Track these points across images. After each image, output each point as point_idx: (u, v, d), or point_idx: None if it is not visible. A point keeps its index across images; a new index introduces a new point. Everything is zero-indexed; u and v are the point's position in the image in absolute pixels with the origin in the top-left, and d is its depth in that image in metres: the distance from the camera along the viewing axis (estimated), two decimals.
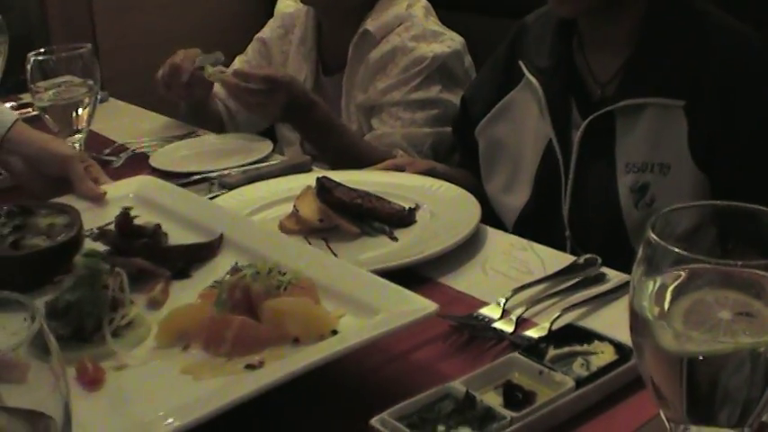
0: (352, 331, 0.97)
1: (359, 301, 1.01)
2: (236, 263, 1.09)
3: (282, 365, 0.90)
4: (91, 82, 1.62)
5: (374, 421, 0.84)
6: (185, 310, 1.03)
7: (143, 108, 2.13)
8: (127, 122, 2.02)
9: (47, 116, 1.65)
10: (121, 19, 3.06)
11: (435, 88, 1.99)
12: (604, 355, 0.93)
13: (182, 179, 1.60)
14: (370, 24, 2.07)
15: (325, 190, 1.30)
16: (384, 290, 1.02)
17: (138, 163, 1.75)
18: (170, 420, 0.80)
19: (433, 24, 2.11)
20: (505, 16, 2.01)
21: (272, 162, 1.69)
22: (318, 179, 1.33)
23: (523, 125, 1.63)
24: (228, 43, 2.35)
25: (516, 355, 0.93)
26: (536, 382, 0.90)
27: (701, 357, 0.62)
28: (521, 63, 1.64)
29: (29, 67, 1.64)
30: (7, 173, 1.56)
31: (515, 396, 0.88)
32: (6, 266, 1.18)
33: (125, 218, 1.22)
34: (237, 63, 2.26)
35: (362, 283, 1.04)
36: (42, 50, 1.65)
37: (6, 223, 1.26)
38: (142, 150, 1.82)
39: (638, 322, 0.65)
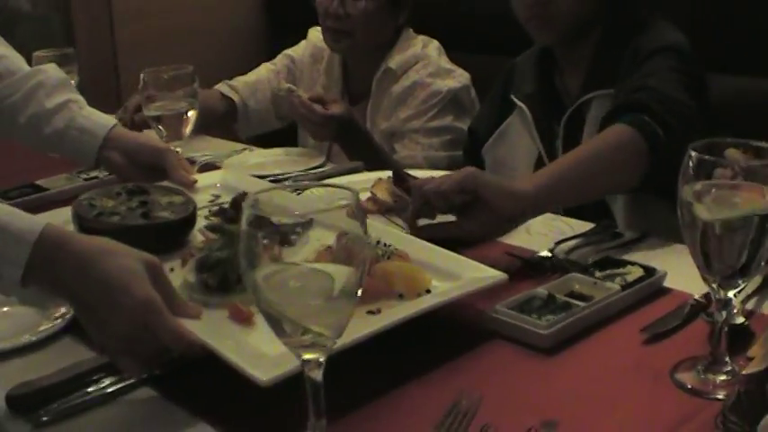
0: (443, 291, 1.24)
1: (443, 270, 1.29)
2: None
3: (396, 312, 1.16)
4: (192, 99, 1.91)
5: (491, 310, 1.21)
6: None
7: None
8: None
9: (157, 124, 1.89)
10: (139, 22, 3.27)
11: (449, 117, 2.40)
12: (635, 273, 1.33)
13: None
14: (392, 63, 2.47)
15: (399, 177, 1.70)
16: (461, 262, 1.32)
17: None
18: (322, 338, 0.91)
19: (445, 62, 2.51)
20: (503, 55, 2.39)
21: (329, 167, 2.04)
22: (395, 171, 1.73)
23: (518, 145, 2.04)
24: (235, 47, 2.63)
25: (574, 273, 1.33)
26: (592, 290, 1.29)
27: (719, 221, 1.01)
28: (512, 96, 2.06)
29: (141, 80, 1.90)
30: (107, 166, 1.77)
31: (581, 296, 1.27)
32: (142, 234, 1.38)
33: (244, 197, 1.46)
34: (264, 70, 2.65)
35: (444, 256, 1.33)
36: (152, 69, 1.91)
37: (131, 199, 1.48)
38: (209, 161, 2.11)
39: (684, 207, 1.03)
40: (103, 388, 1.14)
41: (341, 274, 0.89)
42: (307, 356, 0.92)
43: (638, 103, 1.65)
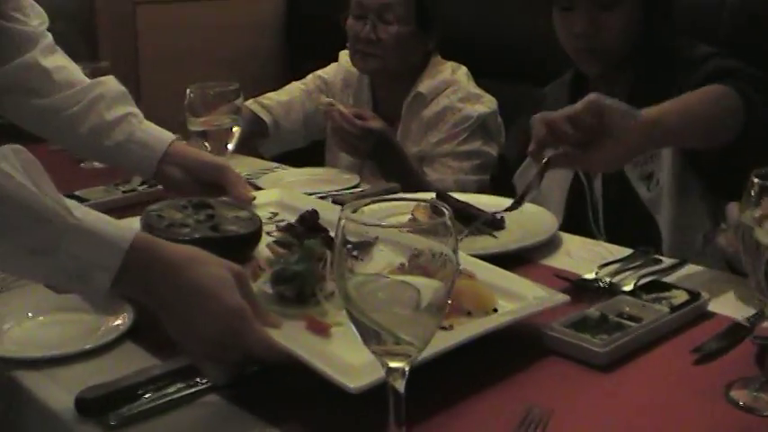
0: (510, 310, 1.29)
1: (508, 290, 1.35)
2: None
3: (469, 329, 1.21)
4: (235, 115, 1.97)
5: (547, 329, 1.26)
6: None
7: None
8: None
9: (202, 140, 1.94)
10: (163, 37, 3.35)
11: (478, 142, 2.46)
12: (680, 297, 1.38)
13: None
14: (422, 88, 2.54)
15: (442, 200, 1.75)
16: (524, 283, 1.38)
17: None
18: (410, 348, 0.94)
19: (474, 88, 2.58)
20: (526, 82, 2.50)
21: (365, 187, 2.09)
22: (438, 193, 1.78)
23: (552, 171, 2.10)
24: (255, 68, 2.68)
25: (623, 296, 1.38)
26: (641, 311, 1.33)
27: None
28: None
29: (188, 96, 1.95)
30: (165, 181, 1.79)
31: (630, 317, 1.32)
32: (213, 246, 1.34)
33: (313, 214, 1.53)
34: (296, 91, 2.72)
35: (508, 277, 1.40)
36: (198, 84, 1.97)
37: (198, 212, 1.52)
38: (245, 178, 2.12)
39: (745, 232, 1.09)
40: (171, 393, 1.17)
41: (427, 287, 0.93)
42: (393, 365, 0.96)
43: (726, 72, 1.75)
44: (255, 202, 1.74)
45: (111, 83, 1.81)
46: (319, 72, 2.80)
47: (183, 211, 1.52)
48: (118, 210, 1.95)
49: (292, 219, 1.60)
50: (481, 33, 2.97)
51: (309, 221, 1.52)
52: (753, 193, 1.08)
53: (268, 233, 1.52)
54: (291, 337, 1.19)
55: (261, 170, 2.29)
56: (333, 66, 2.80)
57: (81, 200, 1.98)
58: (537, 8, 2.70)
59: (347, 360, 1.09)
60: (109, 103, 1.77)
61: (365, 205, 0.98)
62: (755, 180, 1.08)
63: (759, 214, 1.09)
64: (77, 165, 2.40)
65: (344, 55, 2.76)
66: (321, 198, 1.96)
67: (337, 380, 1.07)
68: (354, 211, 0.95)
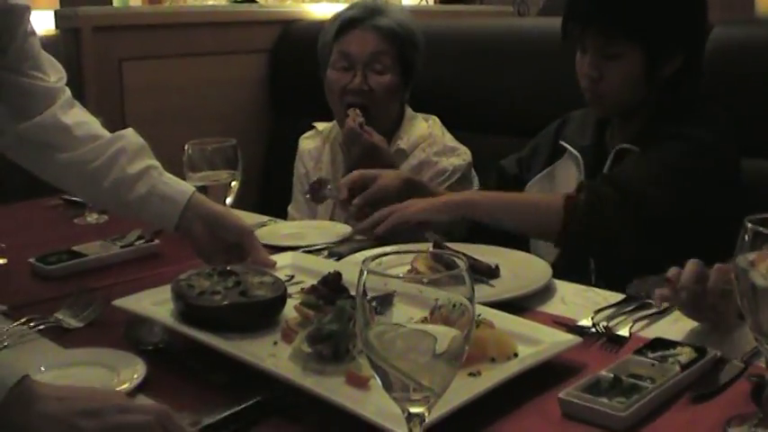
0: (530, 354, 1.37)
1: (525, 336, 1.42)
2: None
3: (495, 375, 1.29)
4: (233, 171, 2.02)
5: (562, 394, 1.27)
6: None
7: None
8: None
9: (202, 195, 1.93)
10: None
11: None
12: (686, 354, 1.39)
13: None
14: (403, 143, 2.60)
15: (441, 249, 1.79)
16: (539, 328, 1.47)
17: None
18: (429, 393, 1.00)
19: (449, 140, 2.64)
20: (502, 134, 2.60)
21: (360, 237, 2.12)
22: (435, 242, 1.83)
23: (564, 187, 2.18)
24: (239, 124, 2.81)
25: (633, 356, 1.39)
26: (650, 371, 1.34)
27: None
28: (562, 142, 2.28)
29: (186, 152, 2.01)
30: (187, 234, 1.79)
31: (641, 377, 1.32)
32: (242, 311, 1.48)
33: (337, 276, 1.57)
34: (293, 211, 2.79)
35: (524, 324, 1.48)
36: (196, 141, 2.03)
37: (225, 280, 1.56)
38: None
39: (740, 275, 1.15)
40: None
41: (444, 335, 0.99)
42: (414, 410, 1.01)
43: (596, 182, 1.99)
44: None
45: (131, 136, 1.84)
46: (295, 177, 2.86)
47: (210, 279, 1.56)
48: (115, 265, 2.01)
49: (308, 280, 1.65)
50: (457, 86, 3.05)
51: (332, 283, 1.57)
52: (747, 239, 1.14)
53: (289, 295, 1.57)
54: (335, 391, 1.25)
55: (255, 224, 2.31)
56: (299, 159, 2.86)
57: (79, 255, 2.02)
58: (513, 61, 2.85)
59: (388, 409, 1.11)
60: (131, 156, 1.80)
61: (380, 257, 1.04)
62: (749, 226, 1.14)
63: (753, 258, 1.14)
64: (71, 221, 2.43)
65: (302, 141, 2.86)
66: (318, 250, 2.02)
67: (384, 426, 1.13)
68: (374, 264, 1.00)
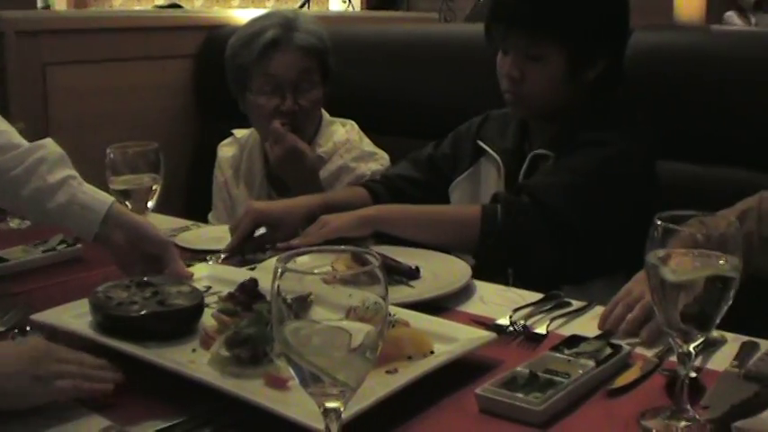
0: (446, 351, 1.40)
1: (441, 334, 1.45)
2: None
3: (411, 371, 1.31)
4: (155, 175, 2.02)
5: (479, 390, 1.29)
6: None
7: None
8: None
9: (124, 199, 1.97)
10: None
11: None
12: (602, 350, 1.42)
13: (211, 254, 2.03)
14: (321, 150, 2.60)
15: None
16: (454, 326, 1.50)
17: None
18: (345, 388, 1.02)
19: (367, 145, 2.65)
20: (419, 138, 2.59)
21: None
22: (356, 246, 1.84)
23: (486, 191, 2.22)
24: (164, 130, 2.76)
25: (549, 352, 1.42)
26: (567, 366, 1.36)
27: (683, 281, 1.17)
28: (480, 143, 2.29)
29: (108, 156, 2.01)
30: (106, 244, 1.77)
31: (557, 372, 1.34)
32: (163, 319, 1.49)
33: (253, 282, 1.57)
34: (213, 219, 2.77)
35: (439, 323, 1.51)
36: (118, 144, 2.03)
37: (143, 290, 1.56)
38: None
39: (651, 270, 1.18)
40: None
41: (359, 330, 1.00)
42: (330, 405, 1.02)
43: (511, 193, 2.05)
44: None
45: (50, 145, 1.82)
46: (214, 185, 2.85)
47: (128, 291, 1.56)
48: (38, 270, 1.99)
49: (225, 290, 1.63)
50: (379, 90, 3.08)
51: (249, 290, 1.57)
52: (656, 235, 1.17)
53: (207, 305, 1.58)
54: (254, 392, 1.26)
55: (177, 228, 2.32)
56: (217, 169, 2.85)
57: (1, 260, 2.00)
58: (436, 67, 2.87)
59: (308, 407, 1.11)
60: (50, 165, 1.78)
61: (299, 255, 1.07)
62: (659, 223, 1.17)
63: (663, 254, 1.18)
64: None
65: (220, 149, 2.86)
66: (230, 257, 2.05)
67: (305, 423, 1.15)
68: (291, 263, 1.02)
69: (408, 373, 1.31)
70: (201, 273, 1.81)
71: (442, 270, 1.86)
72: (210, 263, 1.97)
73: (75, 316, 1.55)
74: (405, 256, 1.89)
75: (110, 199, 1.79)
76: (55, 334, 1.50)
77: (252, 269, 1.88)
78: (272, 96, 2.56)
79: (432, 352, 1.40)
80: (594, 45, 2.11)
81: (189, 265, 1.83)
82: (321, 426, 1.07)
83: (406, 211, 2.11)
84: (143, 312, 1.49)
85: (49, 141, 1.84)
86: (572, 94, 2.14)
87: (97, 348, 1.43)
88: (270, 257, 1.99)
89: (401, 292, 1.74)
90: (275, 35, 2.56)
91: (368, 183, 2.40)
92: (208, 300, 1.61)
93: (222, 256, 2.03)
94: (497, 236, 1.97)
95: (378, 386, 1.22)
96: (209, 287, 1.71)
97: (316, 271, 1.03)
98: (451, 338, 1.44)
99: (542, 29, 2.08)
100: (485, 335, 1.46)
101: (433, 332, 1.45)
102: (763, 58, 2.32)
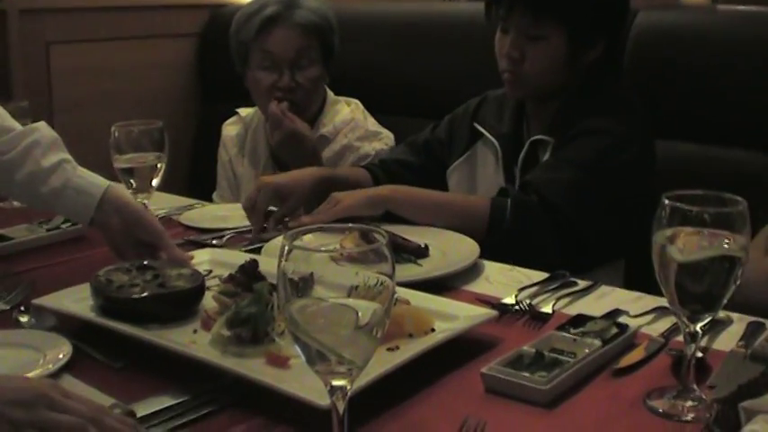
0: (447, 328, 1.40)
1: (441, 312, 1.45)
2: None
3: (412, 348, 1.31)
4: (159, 153, 2.00)
5: (485, 369, 1.28)
6: None
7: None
8: None
9: (128, 177, 1.98)
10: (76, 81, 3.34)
11: None
12: (608, 330, 1.42)
13: (216, 234, 2.04)
14: (325, 130, 2.60)
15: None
16: (454, 304, 1.50)
17: (166, 223, 2.01)
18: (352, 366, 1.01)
19: (372, 125, 2.66)
20: (421, 117, 2.60)
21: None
22: (364, 223, 1.84)
23: (483, 175, 2.24)
24: (168, 109, 2.79)
25: (555, 331, 1.41)
26: (572, 346, 1.36)
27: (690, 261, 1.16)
28: (478, 126, 2.28)
29: (113, 135, 1.99)
30: (102, 228, 1.75)
31: (562, 352, 1.34)
32: (161, 301, 1.48)
33: (254, 264, 1.56)
34: (217, 198, 2.77)
35: (440, 301, 1.51)
36: (122, 123, 2.01)
37: (144, 273, 1.55)
38: (165, 215, 2.18)
39: (658, 250, 1.17)
40: None
41: (365, 308, 1.00)
42: (336, 383, 1.02)
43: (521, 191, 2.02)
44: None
45: (44, 129, 1.81)
46: (219, 164, 2.85)
47: (128, 274, 1.56)
48: (42, 248, 1.99)
49: (226, 273, 1.63)
50: (382, 69, 3.08)
51: (249, 271, 1.56)
52: (664, 214, 1.17)
53: (207, 288, 1.58)
54: (256, 371, 1.27)
55: (181, 207, 2.31)
56: (222, 147, 2.85)
57: (5, 238, 2.00)
58: (439, 45, 2.86)
59: (309, 384, 1.13)
60: (44, 149, 1.77)
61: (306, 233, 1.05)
62: (666, 202, 1.16)
63: (670, 233, 1.17)
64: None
65: (225, 128, 2.86)
66: (244, 233, 2.05)
67: (308, 399, 1.15)
68: (296, 241, 1.01)
69: (410, 350, 1.31)
70: (203, 257, 1.80)
71: (450, 248, 1.85)
72: (215, 242, 1.97)
73: (76, 300, 1.54)
74: (415, 235, 1.89)
75: (105, 183, 1.77)
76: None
77: (258, 249, 1.89)
78: (270, 72, 2.58)
79: (432, 329, 1.40)
80: (595, 26, 2.11)
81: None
82: (322, 402, 1.08)
83: (418, 194, 2.09)
84: (144, 295, 1.49)
85: (42, 124, 1.83)
86: (570, 76, 2.14)
87: (99, 332, 1.43)
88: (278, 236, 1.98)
89: (409, 270, 1.74)
90: (275, 11, 2.57)
91: (368, 165, 2.39)
92: (209, 283, 1.61)
93: (228, 234, 2.03)
94: (505, 234, 1.96)
95: (380, 363, 1.21)
96: (210, 271, 1.70)
97: (323, 249, 1.03)
98: (452, 316, 1.45)
99: (544, 9, 2.07)
100: (486, 312, 1.46)
101: (433, 310, 1.46)
102: None
